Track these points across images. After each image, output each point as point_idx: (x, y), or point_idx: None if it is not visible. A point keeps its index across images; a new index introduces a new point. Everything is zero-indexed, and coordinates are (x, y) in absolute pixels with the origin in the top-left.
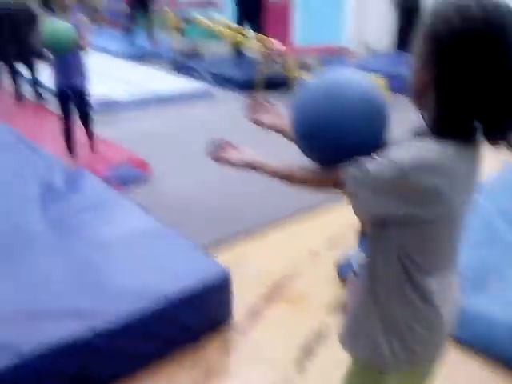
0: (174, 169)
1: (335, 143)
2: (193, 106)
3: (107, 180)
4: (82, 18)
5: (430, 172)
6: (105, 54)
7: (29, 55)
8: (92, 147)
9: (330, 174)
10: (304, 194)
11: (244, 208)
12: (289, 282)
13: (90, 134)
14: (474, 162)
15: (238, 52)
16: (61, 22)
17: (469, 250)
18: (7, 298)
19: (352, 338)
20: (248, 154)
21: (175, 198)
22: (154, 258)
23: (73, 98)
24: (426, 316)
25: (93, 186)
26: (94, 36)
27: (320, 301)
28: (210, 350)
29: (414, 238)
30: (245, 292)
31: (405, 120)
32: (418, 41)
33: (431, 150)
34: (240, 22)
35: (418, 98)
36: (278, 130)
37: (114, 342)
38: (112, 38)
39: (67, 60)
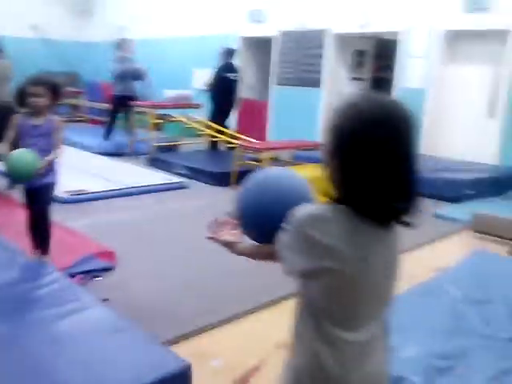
0: (141, 259)
1: (267, 223)
2: (166, 198)
3: (71, 271)
4: (57, 121)
5: (315, 224)
6: (82, 150)
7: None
8: (38, 244)
9: (271, 247)
10: (273, 283)
11: (209, 299)
12: (255, 376)
13: (42, 231)
14: (375, 233)
15: (213, 147)
16: (23, 154)
17: (437, 337)
18: None
19: None
20: (234, 235)
21: (140, 289)
22: (109, 351)
23: (38, 193)
24: (330, 372)
25: (52, 278)
26: (68, 135)
27: None
28: None
29: (318, 289)
30: None
31: None
32: (325, 133)
33: (323, 208)
34: (215, 118)
35: (328, 176)
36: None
37: None
38: (90, 135)
39: None
